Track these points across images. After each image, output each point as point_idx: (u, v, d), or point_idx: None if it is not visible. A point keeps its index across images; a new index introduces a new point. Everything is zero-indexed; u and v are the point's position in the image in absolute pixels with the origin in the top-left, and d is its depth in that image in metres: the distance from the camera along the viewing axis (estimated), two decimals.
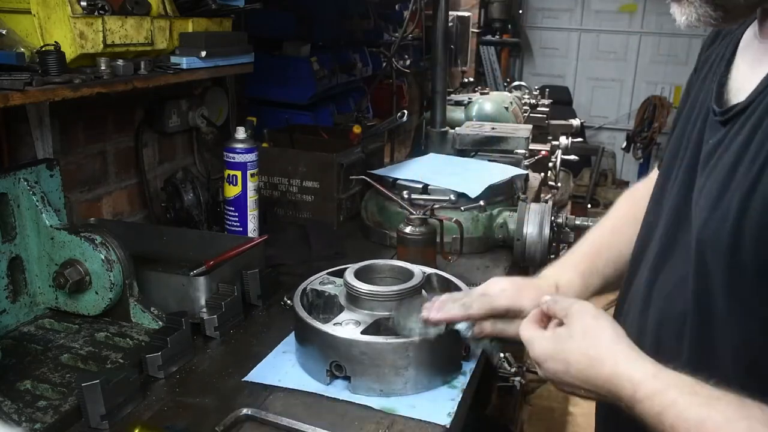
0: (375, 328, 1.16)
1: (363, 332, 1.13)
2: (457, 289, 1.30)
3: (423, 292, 1.23)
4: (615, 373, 0.83)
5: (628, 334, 0.88)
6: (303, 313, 1.18)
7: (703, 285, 0.83)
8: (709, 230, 0.81)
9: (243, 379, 1.17)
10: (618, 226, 1.21)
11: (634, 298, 1.01)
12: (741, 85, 0.87)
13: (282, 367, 1.20)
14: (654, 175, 1.15)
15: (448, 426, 1.06)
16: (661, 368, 0.80)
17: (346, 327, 1.14)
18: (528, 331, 0.97)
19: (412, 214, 1.58)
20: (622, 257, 1.14)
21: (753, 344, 0.78)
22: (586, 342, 0.87)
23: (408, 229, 1.57)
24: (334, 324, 1.15)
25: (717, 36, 1.03)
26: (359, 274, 1.24)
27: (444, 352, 1.15)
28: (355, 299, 1.21)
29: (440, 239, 1.63)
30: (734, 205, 0.77)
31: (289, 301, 1.44)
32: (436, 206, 1.66)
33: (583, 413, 3.38)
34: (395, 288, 1.20)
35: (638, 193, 1.21)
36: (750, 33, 0.91)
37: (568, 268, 1.17)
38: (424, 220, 1.57)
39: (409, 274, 1.25)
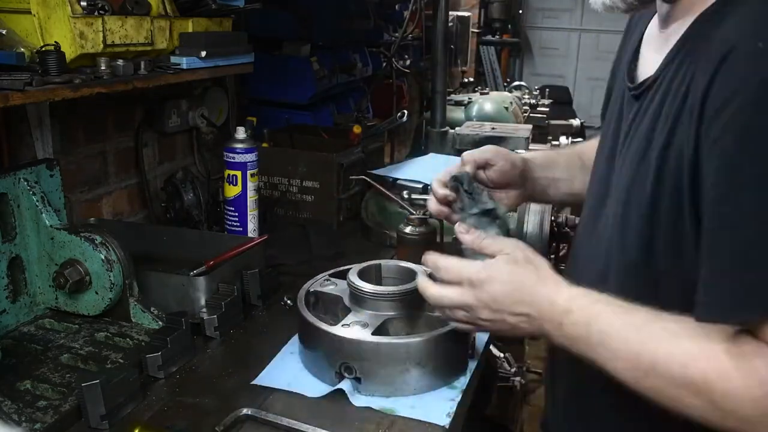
0: (382, 328, 1.16)
1: (372, 333, 1.13)
2: None
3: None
4: (546, 293, 0.92)
5: None
6: (310, 316, 1.18)
7: (623, 248, 0.93)
8: (634, 186, 0.91)
9: (252, 382, 1.16)
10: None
11: (569, 267, 1.15)
12: (647, 66, 0.99)
13: (290, 370, 1.20)
14: None
15: (447, 426, 1.05)
16: (587, 290, 0.91)
17: (354, 328, 1.14)
18: (457, 261, 1.01)
19: (412, 214, 1.58)
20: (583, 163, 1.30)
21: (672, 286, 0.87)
22: (519, 267, 0.96)
23: (408, 229, 1.57)
24: (341, 325, 1.15)
25: (628, 29, 1.16)
26: (362, 275, 1.24)
27: (453, 350, 1.16)
28: (360, 300, 1.20)
29: (440, 239, 1.63)
30: (653, 162, 0.87)
31: (289, 301, 1.44)
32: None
33: None
34: (400, 288, 1.20)
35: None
36: (652, 25, 1.04)
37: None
38: (424, 220, 1.57)
39: (412, 274, 1.25)
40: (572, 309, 0.90)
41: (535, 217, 1.74)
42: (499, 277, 0.97)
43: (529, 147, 2.33)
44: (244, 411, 1.06)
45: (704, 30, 0.85)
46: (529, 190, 1.28)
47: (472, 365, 1.22)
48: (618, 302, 0.87)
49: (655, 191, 0.86)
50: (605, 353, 0.85)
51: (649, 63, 0.98)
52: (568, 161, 1.34)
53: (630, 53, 1.07)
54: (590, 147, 1.29)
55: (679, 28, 0.91)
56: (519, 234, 1.74)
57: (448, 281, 1.01)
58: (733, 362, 0.74)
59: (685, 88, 0.84)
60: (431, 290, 1.03)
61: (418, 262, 1.35)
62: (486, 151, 1.22)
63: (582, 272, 1.05)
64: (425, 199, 1.76)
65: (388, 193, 1.71)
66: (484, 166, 1.22)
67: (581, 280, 0.96)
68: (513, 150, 2.23)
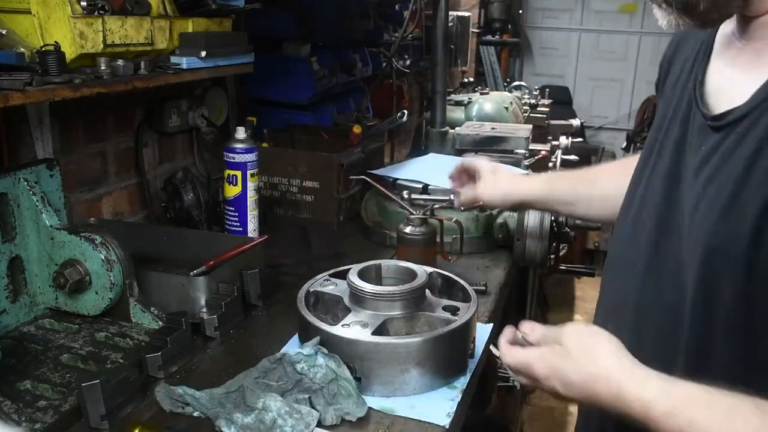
0: (382, 328, 1.17)
1: (372, 333, 1.13)
2: (462, 288, 1.31)
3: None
4: (621, 393, 0.81)
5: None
6: (310, 316, 1.18)
7: (708, 294, 0.82)
8: (720, 237, 0.81)
9: None
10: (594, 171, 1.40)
11: (619, 309, 1.00)
12: (729, 89, 0.87)
13: None
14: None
15: (447, 426, 1.06)
16: (669, 382, 0.79)
17: (354, 328, 1.14)
18: (519, 353, 0.93)
19: (412, 214, 1.58)
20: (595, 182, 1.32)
21: (757, 348, 0.79)
22: (585, 359, 0.85)
23: (408, 229, 1.57)
24: (341, 325, 1.15)
25: (680, 43, 1.04)
26: (362, 275, 1.24)
27: (453, 350, 1.16)
28: (360, 300, 1.20)
29: (440, 239, 1.63)
30: (753, 211, 0.77)
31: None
32: (436, 206, 1.66)
33: None
34: (400, 288, 1.20)
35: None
36: (725, 34, 0.92)
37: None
38: (424, 220, 1.57)
39: (413, 274, 1.25)
40: (656, 419, 0.78)
41: (535, 216, 1.74)
42: (570, 352, 0.88)
43: (529, 147, 2.33)
44: None
45: None
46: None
47: (472, 365, 1.22)
48: (709, 399, 0.76)
49: (752, 247, 0.77)
50: None
51: (732, 82, 0.87)
52: (588, 194, 1.34)
53: (694, 67, 0.95)
54: (608, 174, 1.30)
55: None
56: (519, 234, 1.74)
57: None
58: None
59: None
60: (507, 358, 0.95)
61: (419, 261, 1.36)
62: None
63: (648, 326, 0.94)
64: (425, 199, 1.77)
65: (388, 192, 1.71)
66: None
67: (650, 335, 0.90)
68: (513, 150, 2.26)
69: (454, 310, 1.21)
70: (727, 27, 0.91)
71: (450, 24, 3.59)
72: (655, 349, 0.90)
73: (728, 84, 0.88)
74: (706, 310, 0.83)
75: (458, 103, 2.92)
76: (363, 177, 1.80)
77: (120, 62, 1.31)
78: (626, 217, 1.03)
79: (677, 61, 1.03)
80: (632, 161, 1.14)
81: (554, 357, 0.88)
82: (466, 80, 3.88)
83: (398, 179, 1.91)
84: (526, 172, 2.10)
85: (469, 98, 2.97)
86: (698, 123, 0.89)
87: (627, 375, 0.82)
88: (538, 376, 0.90)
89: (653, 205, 0.95)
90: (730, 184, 0.80)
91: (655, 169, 0.97)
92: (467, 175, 1.50)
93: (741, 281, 0.79)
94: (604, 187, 1.30)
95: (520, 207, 1.68)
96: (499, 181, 1.44)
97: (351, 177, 1.97)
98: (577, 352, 0.86)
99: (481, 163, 1.48)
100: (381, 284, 1.28)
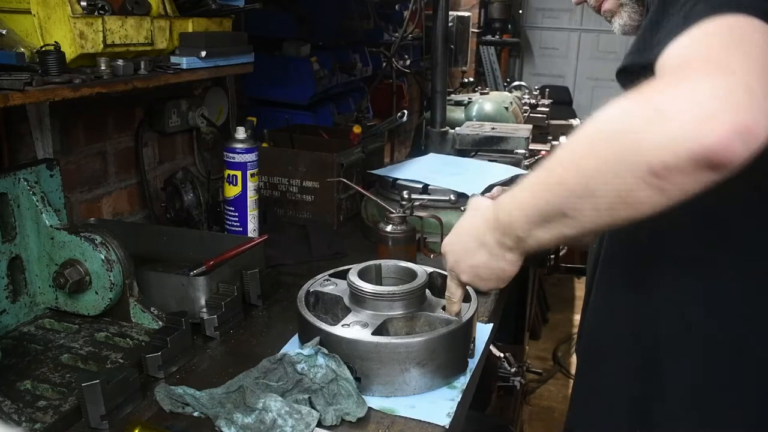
0: (382, 328, 1.17)
1: (372, 333, 1.13)
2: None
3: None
4: (482, 221, 0.98)
5: None
6: (310, 316, 1.18)
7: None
8: None
9: None
10: None
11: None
12: None
13: None
14: None
15: (447, 426, 1.06)
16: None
17: (354, 328, 1.14)
18: None
19: (391, 212, 1.58)
20: None
21: None
22: (467, 213, 1.04)
23: (389, 228, 1.57)
24: (341, 325, 1.15)
25: None
26: (362, 275, 1.24)
27: (453, 350, 1.16)
28: (360, 300, 1.20)
29: (420, 237, 1.63)
30: None
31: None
32: (416, 203, 1.66)
33: None
34: (400, 288, 1.20)
35: None
36: None
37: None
38: (403, 219, 1.57)
39: (413, 274, 1.25)
40: (499, 201, 0.94)
41: None
42: (451, 233, 1.07)
43: (529, 147, 2.33)
44: None
45: None
46: None
47: (472, 365, 1.22)
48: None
49: None
50: (538, 199, 0.83)
51: None
52: None
53: None
54: None
55: None
56: None
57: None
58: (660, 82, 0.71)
59: None
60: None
61: (400, 259, 1.36)
62: None
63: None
64: (425, 199, 1.77)
65: (366, 192, 1.72)
66: None
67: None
68: (513, 150, 2.26)
69: None
70: None
71: (450, 24, 3.59)
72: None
73: None
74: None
75: (458, 103, 2.92)
76: (341, 179, 1.81)
77: (120, 62, 1.31)
78: None
79: None
80: None
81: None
82: (466, 80, 3.87)
83: (398, 179, 1.91)
84: (526, 172, 2.10)
85: (469, 98, 2.97)
86: None
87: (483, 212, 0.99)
88: (444, 247, 1.07)
89: None
90: None
91: None
92: None
93: None
94: None
95: None
96: None
97: (328, 180, 1.96)
98: (454, 229, 1.06)
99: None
100: (381, 284, 1.28)
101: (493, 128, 2.41)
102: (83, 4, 1.24)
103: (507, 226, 0.91)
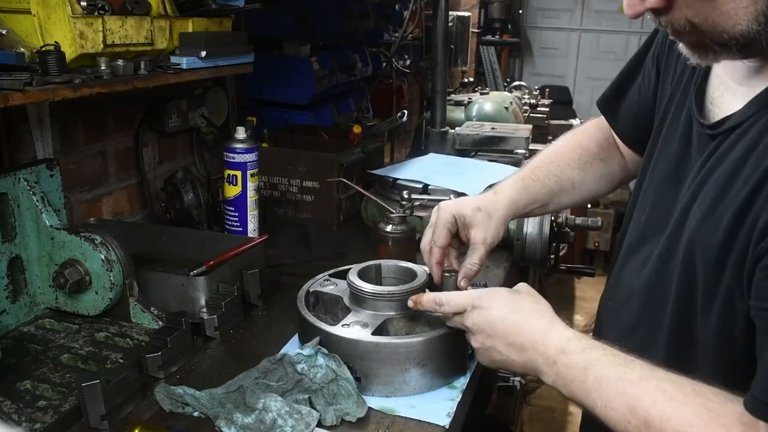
0: (382, 328, 1.17)
1: (372, 333, 1.13)
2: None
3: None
4: (542, 327, 0.95)
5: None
6: (309, 316, 1.18)
7: (687, 289, 0.90)
8: (701, 235, 0.87)
9: None
10: (558, 152, 1.38)
11: (623, 298, 1.08)
12: (725, 99, 0.92)
13: None
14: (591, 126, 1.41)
15: (447, 426, 1.06)
16: (582, 335, 0.93)
17: (354, 328, 1.14)
18: (457, 293, 1.09)
19: (391, 212, 1.58)
20: (562, 172, 1.31)
21: (730, 345, 0.85)
22: (520, 297, 1.01)
23: (389, 228, 1.57)
24: (341, 325, 1.15)
25: (672, 43, 1.07)
26: (362, 275, 1.24)
27: (453, 350, 1.16)
28: (360, 300, 1.21)
29: (419, 237, 1.63)
30: (726, 220, 0.82)
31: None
32: (416, 203, 1.66)
33: None
34: (400, 288, 1.20)
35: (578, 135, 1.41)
36: None
37: (517, 181, 1.30)
38: (403, 219, 1.58)
39: (413, 274, 1.25)
40: (569, 350, 0.90)
41: (534, 217, 1.74)
42: (498, 302, 0.99)
43: (529, 147, 2.33)
44: None
45: None
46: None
47: (472, 365, 1.22)
48: (614, 351, 0.88)
49: (722, 253, 0.83)
50: (599, 401, 0.86)
51: (728, 94, 0.91)
52: (546, 188, 1.30)
53: (692, 77, 0.99)
54: (562, 155, 1.33)
55: None
56: (519, 234, 1.74)
57: (454, 313, 1.05)
58: None
59: None
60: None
61: (400, 259, 1.36)
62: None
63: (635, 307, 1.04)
64: (425, 199, 1.77)
65: (366, 192, 1.72)
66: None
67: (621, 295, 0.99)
68: (513, 150, 2.26)
69: None
70: None
71: (450, 24, 3.59)
72: (645, 331, 1.00)
73: (724, 95, 0.93)
74: (686, 303, 0.91)
75: (458, 103, 2.92)
76: (340, 179, 1.81)
77: (120, 62, 1.31)
78: (636, 203, 1.12)
79: (672, 67, 1.07)
80: (581, 137, 1.37)
81: (482, 312, 1.01)
82: (466, 80, 3.87)
83: (398, 179, 1.91)
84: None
85: (469, 98, 2.97)
86: (697, 129, 0.95)
87: (548, 321, 0.97)
88: (470, 327, 1.03)
89: (655, 194, 1.03)
90: (717, 187, 0.86)
91: (656, 172, 1.04)
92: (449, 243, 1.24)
93: (712, 280, 0.85)
94: (572, 177, 1.32)
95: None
96: (490, 213, 1.23)
97: (328, 179, 1.96)
98: (502, 306, 1.00)
99: (452, 213, 1.22)
100: (381, 284, 1.28)
101: (493, 128, 2.41)
102: (83, 4, 1.24)
103: (553, 380, 0.93)
